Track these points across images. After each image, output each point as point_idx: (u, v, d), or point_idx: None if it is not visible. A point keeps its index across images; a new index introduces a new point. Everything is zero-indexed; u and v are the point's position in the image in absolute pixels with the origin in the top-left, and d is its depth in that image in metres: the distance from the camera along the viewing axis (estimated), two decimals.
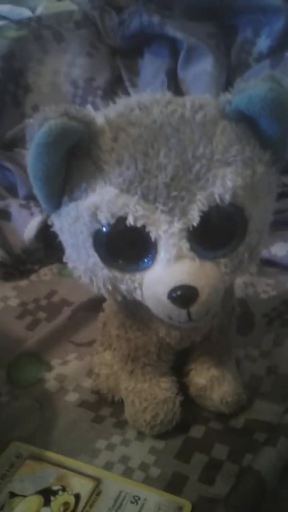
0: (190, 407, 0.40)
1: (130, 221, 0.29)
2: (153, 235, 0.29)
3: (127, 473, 0.36)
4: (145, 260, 0.31)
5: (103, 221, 0.29)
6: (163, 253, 0.30)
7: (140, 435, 0.39)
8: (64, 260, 0.34)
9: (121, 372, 0.40)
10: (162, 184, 0.29)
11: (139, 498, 0.33)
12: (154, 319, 0.35)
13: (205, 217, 0.29)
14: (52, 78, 0.77)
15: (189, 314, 0.30)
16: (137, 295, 0.32)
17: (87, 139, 0.29)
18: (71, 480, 0.34)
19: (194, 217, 0.29)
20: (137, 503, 0.33)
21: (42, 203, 0.31)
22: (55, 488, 0.34)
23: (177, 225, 0.29)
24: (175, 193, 0.29)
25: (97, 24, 0.80)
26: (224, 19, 0.72)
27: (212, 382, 0.40)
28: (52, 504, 0.33)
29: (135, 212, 0.29)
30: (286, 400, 0.40)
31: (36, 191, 0.30)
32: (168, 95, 0.31)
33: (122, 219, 0.29)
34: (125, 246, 0.31)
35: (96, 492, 0.34)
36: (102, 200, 0.29)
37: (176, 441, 0.38)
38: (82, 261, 0.32)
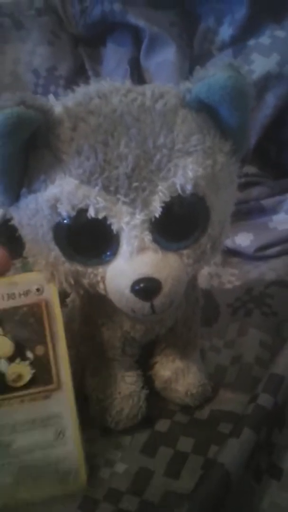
0: (155, 400, 0.40)
1: (91, 213, 0.28)
2: (115, 227, 0.29)
3: (94, 470, 0.35)
4: (107, 253, 0.30)
5: (64, 214, 0.29)
6: (125, 246, 0.29)
7: (106, 431, 0.39)
8: (24, 254, 0.33)
9: (85, 368, 0.40)
10: (123, 174, 0.28)
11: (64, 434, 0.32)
12: (118, 312, 0.35)
13: (167, 208, 0.29)
14: (13, 68, 0.75)
15: (152, 306, 0.30)
16: (100, 289, 0.32)
17: (45, 129, 0.28)
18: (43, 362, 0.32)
19: (156, 208, 0.29)
20: (57, 436, 0.32)
21: (0, 196, 0.30)
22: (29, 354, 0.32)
23: (139, 217, 0.29)
24: (136, 183, 0.28)
25: (59, 12, 0.78)
26: (186, 8, 0.71)
27: (177, 374, 0.40)
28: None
29: (96, 204, 0.28)
30: (250, 390, 0.41)
31: None
32: (128, 83, 0.31)
33: (83, 211, 0.28)
34: (87, 239, 0.30)
35: None
36: (62, 191, 0.28)
37: (141, 435, 0.38)
38: (43, 255, 0.31)
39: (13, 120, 0.26)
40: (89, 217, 0.28)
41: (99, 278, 0.31)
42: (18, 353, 0.31)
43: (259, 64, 0.64)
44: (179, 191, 0.29)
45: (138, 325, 0.37)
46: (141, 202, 0.29)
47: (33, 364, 0.31)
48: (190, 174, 0.29)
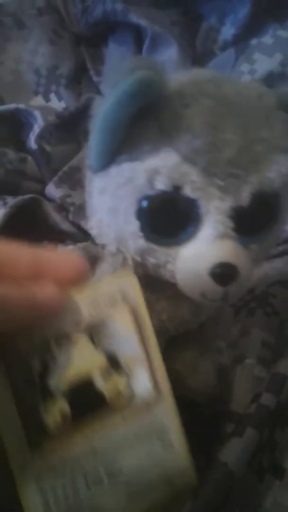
0: None
1: (187, 191, 0.28)
2: (203, 209, 0.29)
3: None
4: (185, 234, 0.30)
5: (159, 187, 0.28)
6: (209, 229, 0.29)
7: None
8: (90, 225, 0.33)
9: None
10: (225, 159, 0.29)
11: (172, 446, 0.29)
12: (161, 301, 0.35)
13: (252, 199, 0.29)
14: (15, 66, 0.75)
15: (225, 292, 0.30)
16: (166, 270, 0.31)
17: (159, 101, 0.29)
18: (141, 373, 0.29)
19: (245, 198, 0.29)
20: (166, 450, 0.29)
21: (94, 159, 0.30)
22: (123, 365, 0.29)
23: (228, 203, 0.29)
24: (234, 170, 0.29)
25: (61, 11, 0.78)
26: (188, 7, 0.71)
27: (189, 371, 0.40)
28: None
29: (194, 183, 0.28)
30: (253, 390, 0.41)
31: (95, 145, 0.29)
32: (235, 77, 0.32)
33: (178, 188, 0.28)
34: (169, 217, 0.30)
35: None
36: (164, 165, 0.28)
37: None
38: (117, 228, 0.31)
39: (146, 82, 0.26)
40: (184, 195, 0.28)
41: (170, 259, 0.31)
42: (112, 366, 0.28)
43: (262, 63, 0.64)
44: (268, 185, 0.29)
45: (175, 316, 0.37)
46: (233, 189, 0.29)
47: (129, 376, 0.28)
48: (283, 170, 0.29)
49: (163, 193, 0.29)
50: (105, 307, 0.29)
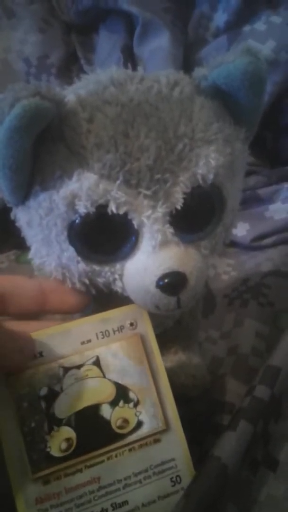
0: None
1: (112, 208, 0.27)
2: (135, 222, 0.28)
3: None
4: (125, 249, 0.29)
5: (82, 211, 0.27)
6: (147, 240, 0.28)
7: None
8: (31, 256, 0.32)
9: None
10: (145, 166, 0.27)
11: (180, 480, 0.29)
12: None
13: (187, 199, 0.28)
14: (4, 56, 0.74)
15: (178, 301, 0.29)
16: (117, 287, 0.30)
17: (59, 121, 0.27)
18: (149, 403, 0.28)
19: (178, 200, 0.28)
20: (174, 484, 0.28)
21: (8, 195, 0.28)
22: (131, 395, 0.28)
23: (161, 210, 0.28)
24: (158, 175, 0.27)
25: None
26: None
27: (179, 366, 0.40)
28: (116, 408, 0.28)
29: (118, 199, 0.27)
30: (246, 380, 0.40)
31: (3, 182, 0.27)
32: (140, 70, 0.30)
33: (102, 207, 0.27)
34: (104, 236, 0.29)
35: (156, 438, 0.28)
36: (81, 187, 0.26)
37: None
38: (54, 256, 0.30)
39: (31, 112, 0.24)
40: (110, 213, 0.27)
41: (116, 276, 0.30)
42: (120, 395, 0.28)
43: None
44: (200, 181, 0.28)
45: None
46: (163, 194, 0.28)
47: (137, 405, 0.28)
48: (212, 163, 0.28)
49: (88, 215, 0.27)
50: (115, 335, 0.28)
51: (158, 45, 0.66)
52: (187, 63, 0.67)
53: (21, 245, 0.32)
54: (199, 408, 0.39)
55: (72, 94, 0.28)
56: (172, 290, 0.28)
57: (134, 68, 0.31)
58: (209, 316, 0.49)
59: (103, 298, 0.34)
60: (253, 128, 0.32)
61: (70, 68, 0.74)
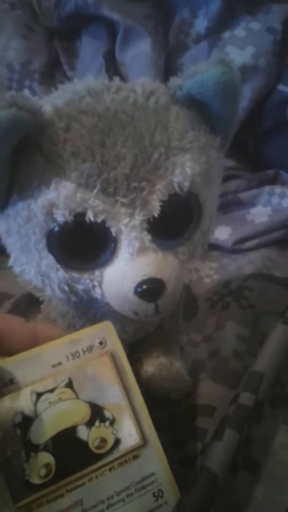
0: None
1: (90, 217, 0.27)
2: (113, 230, 0.28)
3: None
4: (104, 256, 0.29)
5: (60, 219, 0.27)
6: (125, 248, 0.28)
7: None
8: (10, 264, 0.32)
9: None
10: (121, 175, 0.27)
11: (162, 494, 0.28)
12: (108, 316, 0.34)
13: (164, 207, 0.28)
14: None
15: (156, 307, 0.29)
16: (96, 294, 0.31)
17: (36, 131, 0.27)
18: (125, 420, 0.28)
19: (155, 208, 0.28)
20: (157, 499, 0.28)
21: None
22: (107, 414, 0.28)
23: (138, 217, 0.28)
24: (135, 184, 0.28)
25: (33, 5, 0.77)
26: (161, 0, 0.70)
27: (160, 370, 0.40)
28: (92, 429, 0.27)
29: (95, 207, 0.27)
30: (227, 383, 0.41)
31: None
32: (116, 80, 0.30)
33: (80, 215, 0.27)
34: (82, 243, 0.29)
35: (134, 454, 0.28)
36: (58, 196, 0.27)
37: None
38: (34, 264, 0.30)
39: (8, 123, 0.24)
40: (87, 221, 0.27)
41: (95, 283, 0.30)
42: (95, 415, 0.28)
43: (235, 56, 0.63)
44: (177, 189, 0.28)
45: (127, 326, 0.36)
46: (140, 202, 0.28)
47: (113, 424, 0.28)
48: (188, 171, 0.28)
49: (67, 223, 0.27)
50: (85, 356, 0.28)
51: (140, 51, 0.66)
52: (169, 69, 0.68)
53: (4, 252, 0.32)
54: (180, 412, 0.40)
55: (49, 104, 0.28)
56: (150, 296, 0.29)
57: (117, 73, 0.31)
58: (191, 320, 0.50)
59: (83, 304, 0.34)
60: (228, 136, 0.32)
61: (53, 74, 0.74)
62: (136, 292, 0.28)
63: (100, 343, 0.28)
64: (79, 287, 0.30)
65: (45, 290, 0.32)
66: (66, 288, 0.30)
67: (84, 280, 0.30)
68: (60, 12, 0.73)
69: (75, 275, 0.30)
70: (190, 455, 0.36)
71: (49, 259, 0.29)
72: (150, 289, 0.28)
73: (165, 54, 0.68)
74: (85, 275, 0.30)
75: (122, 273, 0.29)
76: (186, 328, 0.48)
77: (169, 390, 0.40)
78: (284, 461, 0.36)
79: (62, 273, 0.30)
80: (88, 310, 0.35)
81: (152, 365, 0.40)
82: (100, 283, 0.30)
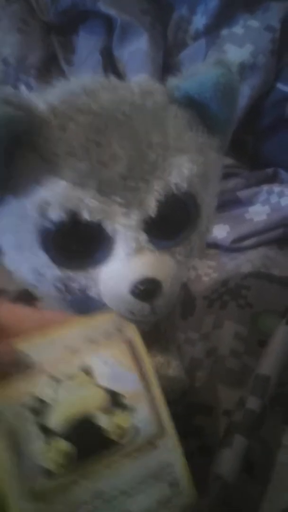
0: None
1: (85, 216, 0.27)
2: (109, 229, 0.28)
3: None
4: (99, 255, 0.29)
5: (54, 218, 0.27)
6: (121, 247, 0.28)
7: None
8: (5, 262, 0.31)
9: None
10: (118, 175, 0.27)
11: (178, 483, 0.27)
12: None
13: (160, 207, 0.28)
14: None
15: (152, 307, 0.29)
16: (92, 293, 0.30)
17: (30, 129, 0.27)
18: (143, 408, 0.28)
19: (152, 208, 0.28)
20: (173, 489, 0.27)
21: None
22: (125, 401, 0.27)
23: (134, 217, 0.28)
24: (131, 184, 0.27)
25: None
26: None
27: (158, 369, 0.40)
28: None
29: (91, 207, 0.26)
30: (224, 382, 0.41)
31: None
32: (113, 79, 0.30)
33: (75, 215, 0.27)
34: (78, 243, 0.29)
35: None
36: (53, 195, 0.26)
37: None
38: (28, 262, 0.30)
39: (1, 122, 0.24)
40: (83, 220, 0.27)
41: (91, 282, 0.30)
42: (114, 402, 0.27)
43: (233, 54, 0.63)
44: (174, 190, 0.28)
45: None
46: (136, 202, 0.28)
47: (131, 411, 0.27)
48: (186, 172, 0.28)
49: (61, 222, 0.27)
50: (103, 342, 0.28)
51: (137, 47, 0.66)
52: (167, 66, 0.67)
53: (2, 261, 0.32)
54: (178, 411, 0.39)
55: (44, 102, 0.28)
56: (146, 296, 0.28)
57: (114, 69, 0.31)
58: (188, 318, 0.49)
59: (78, 303, 0.34)
60: (226, 137, 0.32)
61: (49, 69, 0.73)
62: (132, 292, 0.28)
63: (118, 329, 0.28)
64: (75, 285, 0.30)
65: (39, 289, 0.32)
66: (61, 286, 0.30)
67: (79, 279, 0.29)
68: (57, 7, 0.73)
69: (70, 274, 0.29)
70: (187, 454, 0.36)
71: (44, 258, 0.29)
72: (146, 289, 0.28)
73: (163, 51, 0.68)
74: (80, 274, 0.29)
75: (118, 273, 0.28)
76: (183, 326, 0.47)
77: (166, 389, 0.39)
78: (281, 462, 0.35)
79: (57, 271, 0.29)
80: (84, 308, 0.35)
81: None
82: (96, 283, 0.30)
